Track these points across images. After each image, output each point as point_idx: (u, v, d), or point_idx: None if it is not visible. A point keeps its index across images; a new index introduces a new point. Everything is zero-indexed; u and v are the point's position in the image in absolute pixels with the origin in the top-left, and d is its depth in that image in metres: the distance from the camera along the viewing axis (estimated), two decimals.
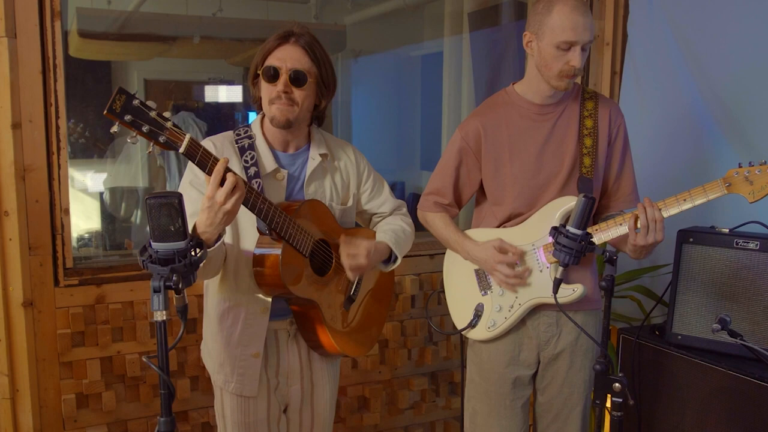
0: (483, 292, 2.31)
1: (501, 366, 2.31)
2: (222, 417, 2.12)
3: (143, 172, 4.77)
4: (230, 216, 1.72)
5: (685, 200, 2.01)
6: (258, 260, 1.94)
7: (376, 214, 2.27)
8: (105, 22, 4.20)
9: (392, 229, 2.20)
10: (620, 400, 1.76)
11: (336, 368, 2.25)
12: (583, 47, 2.05)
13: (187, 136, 1.65)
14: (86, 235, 4.16)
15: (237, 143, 2.00)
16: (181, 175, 2.55)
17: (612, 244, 2.22)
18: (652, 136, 3.08)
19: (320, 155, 2.08)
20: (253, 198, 1.79)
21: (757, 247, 2.37)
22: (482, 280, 2.32)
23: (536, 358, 2.31)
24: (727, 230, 2.46)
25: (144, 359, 1.52)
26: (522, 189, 2.22)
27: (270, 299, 2.01)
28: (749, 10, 2.71)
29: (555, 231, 1.79)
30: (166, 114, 1.62)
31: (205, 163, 1.69)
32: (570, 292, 2.15)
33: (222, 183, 1.68)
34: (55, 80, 2.44)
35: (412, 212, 2.40)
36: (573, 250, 1.75)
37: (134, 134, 1.60)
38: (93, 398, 2.60)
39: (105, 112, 1.54)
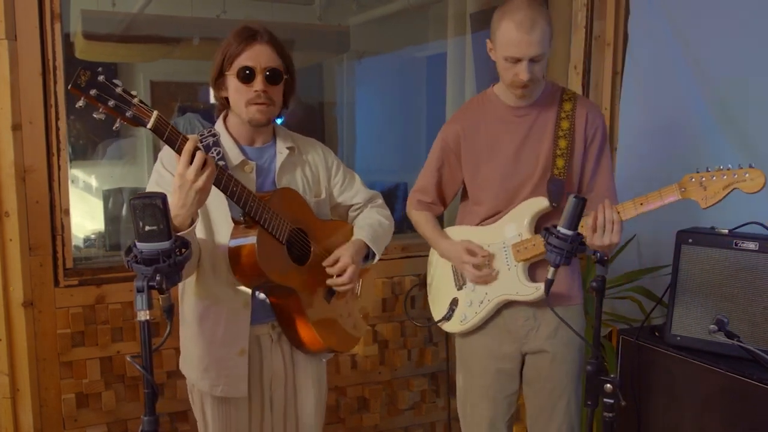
0: (458, 287, 2.42)
1: (482, 359, 2.39)
2: (203, 424, 2.08)
3: (149, 172, 4.78)
4: (202, 195, 1.72)
5: (641, 204, 2.05)
6: (234, 250, 1.90)
7: (351, 206, 2.26)
8: (110, 24, 4.22)
9: (369, 224, 2.19)
10: (612, 401, 1.75)
11: (322, 371, 2.22)
12: (534, 59, 2.08)
13: (155, 113, 1.64)
14: (92, 236, 4.19)
15: (201, 142, 1.96)
16: None
17: None
18: (653, 135, 3.08)
19: (287, 148, 2.07)
20: (225, 179, 1.78)
21: (756, 248, 2.36)
22: (458, 276, 2.43)
23: (518, 351, 2.36)
24: (727, 231, 2.45)
25: (128, 358, 1.54)
26: (499, 190, 2.29)
27: (250, 293, 1.98)
28: (749, 10, 2.70)
29: (546, 232, 1.79)
30: (134, 92, 1.62)
31: (174, 140, 1.69)
32: (532, 290, 2.23)
33: (191, 161, 1.68)
34: (55, 82, 2.46)
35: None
36: (564, 250, 1.75)
37: (100, 109, 1.59)
38: (93, 398, 2.61)
39: (69, 86, 1.54)
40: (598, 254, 1.76)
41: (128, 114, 1.61)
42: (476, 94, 3.92)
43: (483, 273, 2.29)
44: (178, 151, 1.70)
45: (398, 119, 5.44)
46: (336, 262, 2.06)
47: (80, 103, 1.58)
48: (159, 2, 4.23)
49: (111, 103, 1.59)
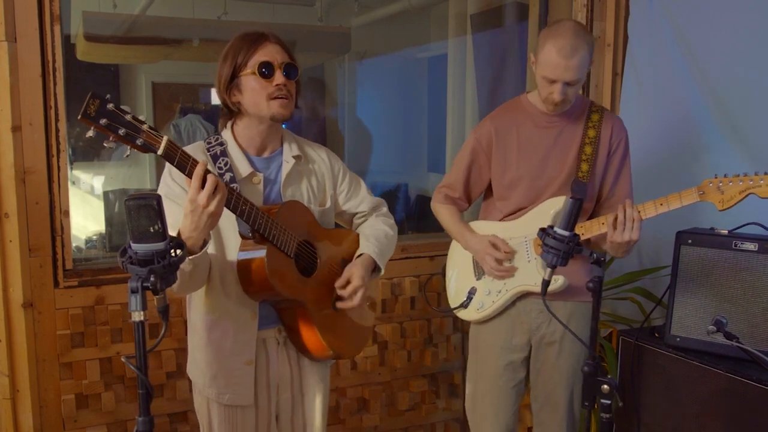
0: (477, 277, 2.52)
1: (495, 348, 2.49)
2: (208, 429, 2.07)
3: (151, 174, 4.81)
4: (214, 218, 1.71)
5: (661, 204, 2.19)
6: (243, 265, 1.91)
7: (356, 214, 2.26)
8: (111, 25, 4.24)
9: (374, 235, 2.19)
10: (609, 401, 1.75)
11: (326, 373, 2.22)
12: (569, 83, 2.21)
13: (165, 138, 1.64)
14: (94, 237, 4.20)
15: (209, 151, 1.98)
16: None
17: (595, 242, 2.38)
18: (652, 136, 3.07)
19: (294, 157, 2.07)
20: (234, 199, 1.78)
21: (756, 249, 2.35)
22: (478, 265, 2.53)
23: (527, 341, 2.47)
24: (726, 232, 2.44)
25: (123, 359, 1.54)
26: (525, 189, 2.42)
27: (258, 304, 1.98)
28: (749, 10, 2.70)
29: (543, 232, 1.79)
30: (142, 117, 1.61)
31: (185, 164, 1.68)
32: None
33: (203, 186, 1.67)
34: (55, 84, 2.46)
35: (418, 214, 2.47)
36: (560, 251, 1.75)
37: (110, 138, 1.59)
38: (93, 398, 2.62)
39: (80, 117, 1.53)
40: (595, 254, 1.76)
41: (138, 142, 1.61)
42: (477, 94, 3.97)
43: (502, 268, 2.39)
44: (189, 175, 1.69)
45: (399, 120, 5.45)
46: (347, 282, 2.07)
47: (90, 133, 1.58)
48: (160, 4, 4.24)
49: (121, 131, 1.58)
